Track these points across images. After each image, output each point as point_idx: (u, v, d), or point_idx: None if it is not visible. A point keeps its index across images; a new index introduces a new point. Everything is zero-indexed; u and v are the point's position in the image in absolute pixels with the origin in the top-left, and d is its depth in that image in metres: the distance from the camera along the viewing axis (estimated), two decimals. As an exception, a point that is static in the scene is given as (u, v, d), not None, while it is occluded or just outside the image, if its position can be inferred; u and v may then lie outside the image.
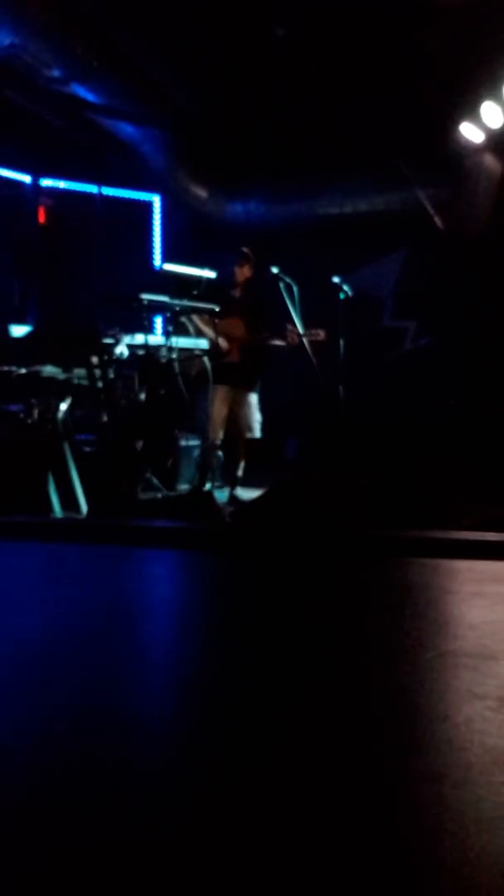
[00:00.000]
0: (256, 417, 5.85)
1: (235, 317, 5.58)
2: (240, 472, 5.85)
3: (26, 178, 7.84)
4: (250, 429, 5.82)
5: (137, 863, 0.67)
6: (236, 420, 5.76)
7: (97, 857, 0.69)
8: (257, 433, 5.85)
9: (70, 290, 7.32)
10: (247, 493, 5.60)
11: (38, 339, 4.45)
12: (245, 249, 5.93)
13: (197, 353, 5.19)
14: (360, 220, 7.72)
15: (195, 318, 5.41)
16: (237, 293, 5.73)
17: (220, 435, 5.72)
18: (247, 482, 5.90)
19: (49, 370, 4.37)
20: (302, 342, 5.65)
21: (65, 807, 0.80)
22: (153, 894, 0.64)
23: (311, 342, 5.67)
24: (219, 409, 5.59)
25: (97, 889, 0.65)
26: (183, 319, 5.32)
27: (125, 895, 0.64)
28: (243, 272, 5.84)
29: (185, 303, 5.07)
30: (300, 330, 5.66)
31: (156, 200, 8.35)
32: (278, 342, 5.78)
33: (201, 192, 7.95)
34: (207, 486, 5.65)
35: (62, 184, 8.05)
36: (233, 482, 5.88)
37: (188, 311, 5.23)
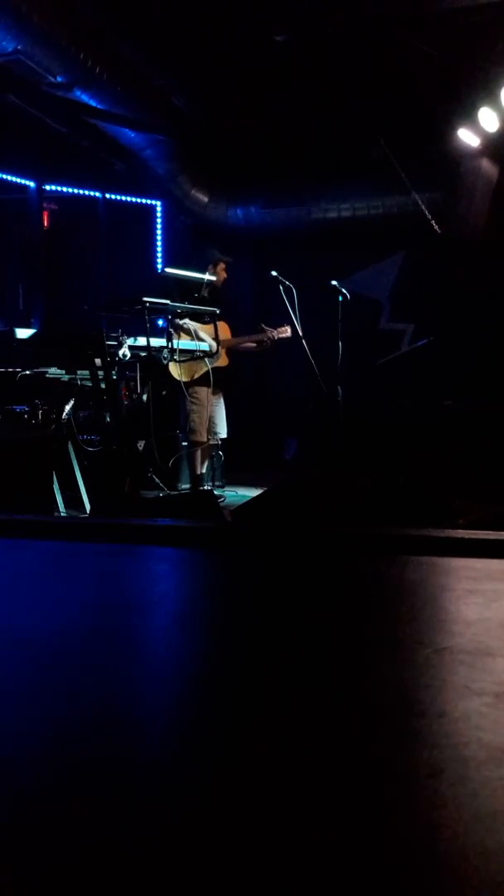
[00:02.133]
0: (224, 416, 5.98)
1: (221, 320, 5.66)
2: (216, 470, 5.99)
3: (30, 184, 7.89)
4: (223, 428, 5.94)
5: (139, 864, 0.67)
6: (213, 421, 5.84)
7: (99, 858, 0.68)
8: (225, 432, 5.97)
9: (73, 294, 7.36)
10: (247, 493, 5.65)
11: (42, 342, 4.49)
12: (219, 253, 6.00)
13: (198, 354, 5.24)
14: (358, 223, 7.75)
15: (193, 322, 5.47)
16: (214, 296, 5.79)
17: (206, 436, 5.79)
18: (247, 482, 5.96)
19: (53, 371, 4.41)
20: (275, 344, 5.79)
21: (66, 807, 0.79)
22: (155, 894, 0.64)
23: (277, 338, 5.79)
24: (207, 411, 5.66)
25: (99, 890, 0.64)
26: (182, 322, 5.37)
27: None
28: (223, 275, 5.92)
29: (187, 306, 5.12)
30: (300, 332, 5.73)
31: (157, 205, 8.39)
32: (252, 345, 5.88)
33: (202, 197, 7.98)
34: (206, 485, 5.72)
35: (66, 189, 8.11)
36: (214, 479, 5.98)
37: (189, 314, 5.28)
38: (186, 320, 5.42)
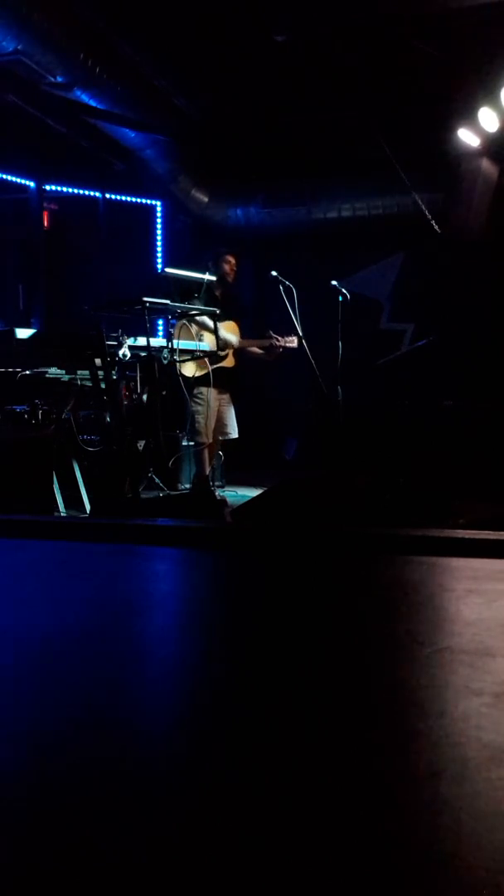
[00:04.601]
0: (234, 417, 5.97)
1: (229, 320, 5.64)
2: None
3: (30, 184, 7.90)
4: (233, 429, 5.92)
5: (138, 866, 0.67)
6: (222, 421, 5.84)
7: (97, 861, 0.68)
8: (236, 433, 5.95)
9: (73, 294, 7.36)
10: (247, 493, 5.65)
11: (42, 342, 4.48)
12: (229, 251, 5.98)
13: (198, 354, 5.23)
14: (358, 223, 7.75)
15: (197, 320, 5.46)
16: (222, 293, 5.77)
17: (212, 437, 5.79)
18: (247, 482, 5.96)
19: (53, 371, 4.40)
20: (280, 354, 5.78)
21: (66, 807, 0.79)
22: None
23: (285, 348, 5.77)
24: (213, 411, 5.65)
25: (98, 892, 0.65)
26: (184, 322, 5.37)
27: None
28: (232, 274, 5.90)
29: (187, 306, 5.12)
30: (300, 332, 5.72)
31: (157, 205, 8.40)
32: (260, 352, 5.86)
33: (202, 197, 7.99)
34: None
35: (66, 189, 8.11)
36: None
37: (189, 314, 5.28)
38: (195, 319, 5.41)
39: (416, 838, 0.73)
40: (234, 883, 0.67)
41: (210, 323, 5.24)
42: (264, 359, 5.92)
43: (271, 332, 5.82)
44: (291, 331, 5.77)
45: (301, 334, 5.75)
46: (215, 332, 5.25)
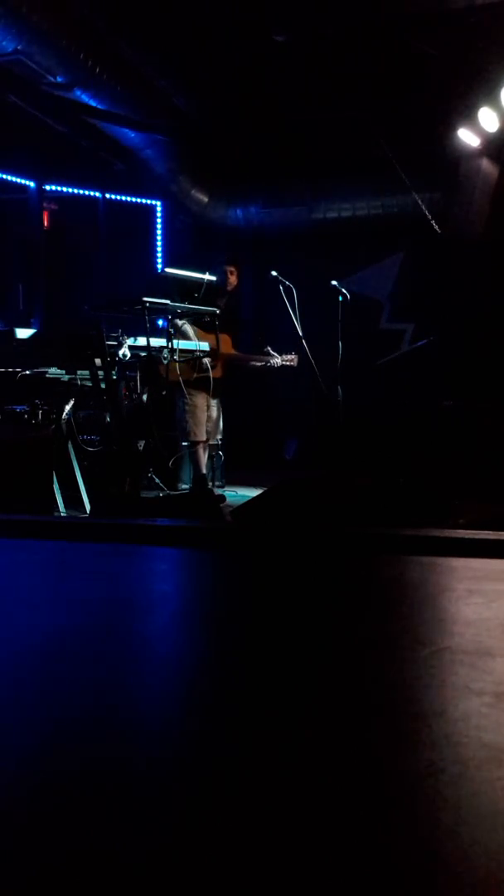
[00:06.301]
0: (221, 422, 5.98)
1: (224, 331, 5.63)
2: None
3: (30, 184, 7.90)
4: (220, 432, 5.92)
5: (137, 865, 0.67)
6: (209, 427, 5.85)
7: (97, 861, 0.68)
8: (220, 435, 5.97)
9: (73, 294, 7.36)
10: (247, 493, 5.65)
11: (42, 342, 4.49)
12: (232, 257, 5.98)
13: (198, 354, 5.23)
14: (358, 223, 7.76)
15: (192, 326, 5.46)
16: (225, 303, 5.77)
17: (204, 434, 5.78)
18: (247, 482, 5.96)
19: (53, 371, 4.41)
20: (280, 364, 5.78)
21: (65, 808, 0.79)
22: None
23: (281, 364, 5.77)
24: (201, 411, 5.65)
25: (97, 892, 0.65)
26: (181, 323, 5.37)
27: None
28: (232, 280, 5.89)
29: (186, 306, 5.12)
30: (300, 332, 5.72)
31: (157, 205, 8.40)
32: (257, 364, 5.85)
33: (202, 197, 7.99)
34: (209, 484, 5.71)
35: (66, 189, 8.12)
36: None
37: (189, 314, 5.28)
38: (185, 324, 5.40)
39: (416, 838, 0.73)
40: (234, 883, 0.66)
41: (191, 333, 5.27)
42: (259, 370, 5.93)
43: (269, 349, 5.80)
44: (293, 349, 5.78)
45: (301, 334, 5.76)
46: (216, 341, 5.24)
